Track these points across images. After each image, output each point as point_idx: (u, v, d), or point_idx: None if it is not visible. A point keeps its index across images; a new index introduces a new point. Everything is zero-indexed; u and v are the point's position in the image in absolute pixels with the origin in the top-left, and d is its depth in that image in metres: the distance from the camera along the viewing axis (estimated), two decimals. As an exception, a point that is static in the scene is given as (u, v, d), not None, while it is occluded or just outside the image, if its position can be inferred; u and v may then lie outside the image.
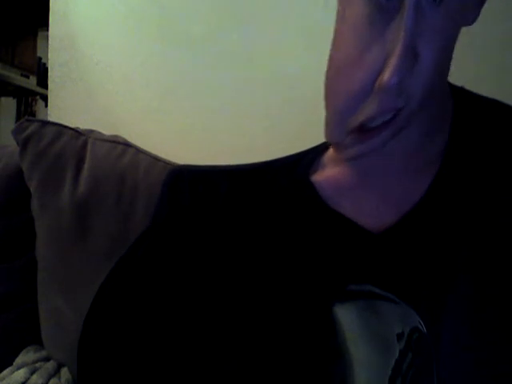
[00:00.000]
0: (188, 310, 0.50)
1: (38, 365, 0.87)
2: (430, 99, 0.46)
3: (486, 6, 0.46)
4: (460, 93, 0.54)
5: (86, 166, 0.94)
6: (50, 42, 1.21)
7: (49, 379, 0.85)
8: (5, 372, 0.85)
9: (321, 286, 0.47)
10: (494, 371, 0.45)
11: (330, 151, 0.57)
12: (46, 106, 1.67)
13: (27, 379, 0.84)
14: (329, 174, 0.55)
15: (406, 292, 0.46)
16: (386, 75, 0.41)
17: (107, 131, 1.04)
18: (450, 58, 0.48)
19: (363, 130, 0.46)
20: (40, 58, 2.90)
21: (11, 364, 0.87)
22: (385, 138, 0.46)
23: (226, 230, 0.53)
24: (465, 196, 0.50)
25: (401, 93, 0.43)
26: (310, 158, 0.58)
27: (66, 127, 0.99)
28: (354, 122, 0.46)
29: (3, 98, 2.94)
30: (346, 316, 0.45)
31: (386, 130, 0.45)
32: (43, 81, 2.60)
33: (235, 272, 0.50)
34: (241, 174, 0.57)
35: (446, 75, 0.50)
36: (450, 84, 0.54)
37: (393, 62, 0.41)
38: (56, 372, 0.88)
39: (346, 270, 0.48)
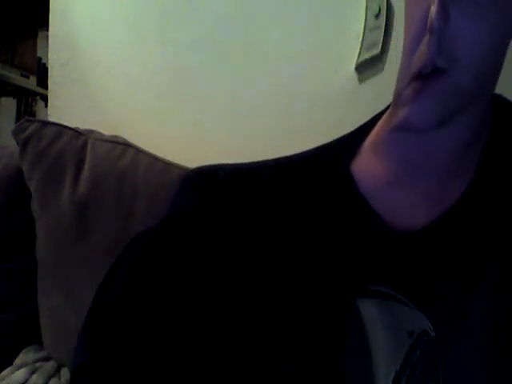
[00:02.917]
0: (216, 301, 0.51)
1: (37, 365, 0.87)
2: (476, 98, 0.46)
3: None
4: (498, 101, 0.54)
5: (86, 166, 0.94)
6: (49, 42, 1.21)
7: (49, 379, 0.85)
8: (5, 372, 0.85)
9: (346, 281, 0.49)
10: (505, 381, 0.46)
11: (370, 138, 0.55)
12: (46, 106, 1.66)
13: (27, 379, 0.84)
14: (369, 165, 0.53)
15: (419, 297, 0.47)
16: (430, 19, 0.43)
17: (107, 131, 1.04)
18: (496, 61, 0.47)
19: (416, 82, 0.45)
20: (40, 58, 2.89)
21: (11, 364, 0.87)
22: (431, 110, 0.45)
23: (266, 225, 0.52)
24: (497, 207, 0.50)
25: (443, 50, 0.43)
26: (349, 146, 0.56)
27: (65, 127, 0.99)
28: (414, 66, 0.45)
29: (3, 98, 2.93)
30: (365, 308, 0.47)
31: (431, 93, 0.44)
32: (43, 81, 2.60)
33: (266, 264, 0.51)
34: (282, 168, 0.57)
35: (495, 81, 0.49)
36: None
37: (433, 8, 0.42)
38: (56, 372, 0.88)
39: (369, 270, 0.48)
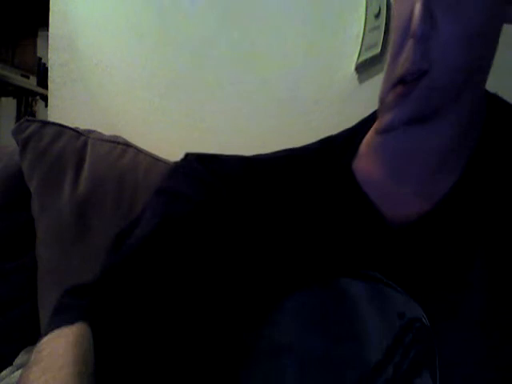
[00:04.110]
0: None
1: (38, 365, 0.87)
2: (460, 95, 0.47)
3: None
4: (493, 99, 0.54)
5: (86, 166, 0.94)
6: (50, 42, 1.21)
7: (49, 379, 0.85)
8: (5, 372, 0.85)
9: (336, 264, 0.50)
10: (500, 374, 0.46)
11: (365, 138, 0.57)
12: (46, 106, 1.66)
13: (27, 379, 0.83)
14: (365, 163, 0.55)
15: (414, 286, 0.48)
16: (413, 24, 0.43)
17: (107, 131, 1.04)
18: (485, 58, 0.48)
19: (399, 87, 0.46)
20: (40, 58, 2.89)
21: (11, 364, 0.87)
22: (413, 108, 0.46)
23: (271, 215, 0.53)
24: (486, 200, 0.51)
25: (425, 53, 0.44)
26: (351, 140, 0.58)
27: (66, 127, 0.99)
28: (397, 72, 0.46)
29: (3, 98, 2.94)
30: (353, 287, 0.48)
31: (413, 96, 0.45)
32: (43, 81, 2.60)
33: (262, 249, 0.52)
34: (285, 161, 0.57)
35: (482, 77, 0.50)
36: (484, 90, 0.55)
37: (416, 13, 0.43)
38: (56, 372, 0.88)
39: (362, 257, 0.50)
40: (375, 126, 0.54)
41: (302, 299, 0.49)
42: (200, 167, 0.56)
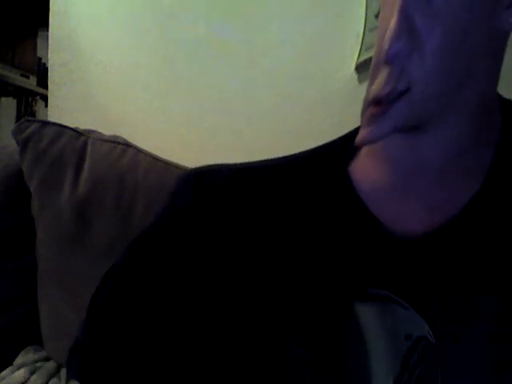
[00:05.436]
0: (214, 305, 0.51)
1: (38, 365, 0.88)
2: (457, 104, 0.45)
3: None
4: (509, 106, 0.51)
5: (86, 166, 0.94)
6: (50, 42, 1.21)
7: (49, 379, 0.85)
8: (5, 372, 0.85)
9: (343, 285, 0.48)
10: None
11: None
12: (46, 106, 1.66)
13: (27, 379, 0.84)
14: (366, 169, 0.52)
15: (420, 302, 0.46)
16: (384, 44, 0.41)
17: (107, 131, 1.04)
18: (480, 64, 0.44)
19: (376, 106, 0.44)
20: (40, 58, 2.90)
21: (11, 364, 0.87)
22: (390, 125, 0.43)
23: (260, 226, 0.52)
24: (504, 217, 0.48)
25: (402, 74, 0.41)
26: (348, 147, 0.54)
27: (66, 127, 0.99)
28: (372, 92, 0.44)
29: (3, 98, 2.94)
30: (365, 313, 0.46)
31: (390, 115, 0.43)
32: (43, 81, 2.60)
33: (263, 265, 0.50)
34: (275, 169, 0.56)
35: (489, 84, 0.47)
36: (499, 96, 0.51)
37: (388, 32, 0.40)
38: (56, 372, 0.88)
39: (367, 274, 0.47)
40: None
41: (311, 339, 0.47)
42: (193, 184, 0.56)
